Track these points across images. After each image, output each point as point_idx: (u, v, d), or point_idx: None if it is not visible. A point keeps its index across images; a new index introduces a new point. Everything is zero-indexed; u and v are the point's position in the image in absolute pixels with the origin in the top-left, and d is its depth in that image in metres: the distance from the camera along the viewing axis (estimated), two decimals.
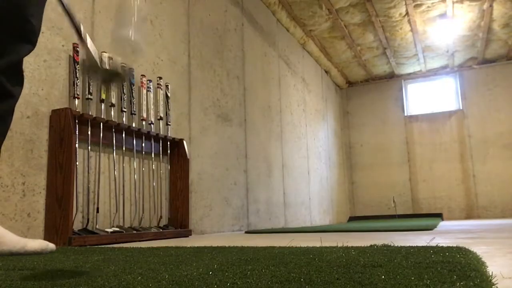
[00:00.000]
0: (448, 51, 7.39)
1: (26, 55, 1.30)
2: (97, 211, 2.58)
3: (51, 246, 1.64)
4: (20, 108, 2.25)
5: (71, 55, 2.54)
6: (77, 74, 2.51)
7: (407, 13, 6.00)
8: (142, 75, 3.08)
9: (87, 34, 1.20)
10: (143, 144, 3.01)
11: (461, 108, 8.00)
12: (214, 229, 3.80)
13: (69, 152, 2.29)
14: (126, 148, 2.87)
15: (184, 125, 3.57)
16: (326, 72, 7.85)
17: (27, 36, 1.29)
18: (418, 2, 5.74)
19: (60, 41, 2.52)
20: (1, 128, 1.30)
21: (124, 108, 2.87)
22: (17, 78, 1.31)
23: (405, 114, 8.41)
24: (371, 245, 1.52)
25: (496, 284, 0.73)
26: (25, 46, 1.29)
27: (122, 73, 1.22)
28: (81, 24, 1.21)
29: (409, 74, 8.42)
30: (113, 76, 1.28)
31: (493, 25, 6.42)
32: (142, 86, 3.06)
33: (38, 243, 1.58)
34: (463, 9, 5.94)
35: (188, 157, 3.29)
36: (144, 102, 3.06)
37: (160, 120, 3.20)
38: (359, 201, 8.52)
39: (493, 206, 7.54)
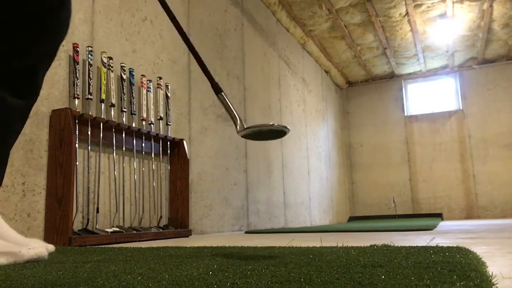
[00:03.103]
0: (448, 51, 7.39)
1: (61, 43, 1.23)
2: (97, 211, 2.58)
3: (50, 247, 1.63)
4: None
5: (71, 55, 2.54)
6: (77, 74, 2.52)
7: (407, 13, 6.00)
8: (142, 75, 3.08)
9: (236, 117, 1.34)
10: (143, 144, 3.01)
11: (461, 108, 8.00)
12: (214, 229, 3.80)
13: (69, 152, 2.29)
14: (126, 148, 2.87)
15: (184, 125, 3.57)
16: (326, 72, 7.85)
17: (65, 26, 1.21)
18: (418, 2, 5.74)
19: None
20: (21, 125, 1.23)
21: (124, 108, 2.87)
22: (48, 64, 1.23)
23: (405, 114, 8.41)
24: (371, 245, 1.52)
25: (496, 284, 0.73)
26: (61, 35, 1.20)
27: (283, 129, 1.29)
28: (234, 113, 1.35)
29: (409, 74, 8.42)
30: (275, 133, 1.33)
31: (493, 25, 6.42)
32: (142, 86, 3.07)
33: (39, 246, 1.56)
34: (463, 9, 5.95)
35: (188, 157, 3.29)
36: (144, 102, 3.06)
37: (160, 120, 3.20)
38: (359, 201, 8.52)
39: (493, 206, 7.54)
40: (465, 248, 1.28)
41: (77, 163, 2.43)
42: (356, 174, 8.62)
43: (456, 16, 6.12)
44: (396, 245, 1.51)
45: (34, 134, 2.30)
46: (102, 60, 2.72)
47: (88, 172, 2.57)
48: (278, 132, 1.30)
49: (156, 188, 3.13)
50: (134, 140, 2.92)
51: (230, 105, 1.36)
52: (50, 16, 1.04)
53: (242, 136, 1.32)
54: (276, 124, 1.26)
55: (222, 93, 1.37)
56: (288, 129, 1.26)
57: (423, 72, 8.31)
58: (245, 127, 1.29)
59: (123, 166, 2.86)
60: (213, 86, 1.39)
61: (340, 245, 1.61)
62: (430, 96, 8.42)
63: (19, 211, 2.18)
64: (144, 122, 3.06)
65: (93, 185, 2.61)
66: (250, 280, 0.80)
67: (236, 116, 1.33)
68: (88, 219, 2.51)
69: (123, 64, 2.90)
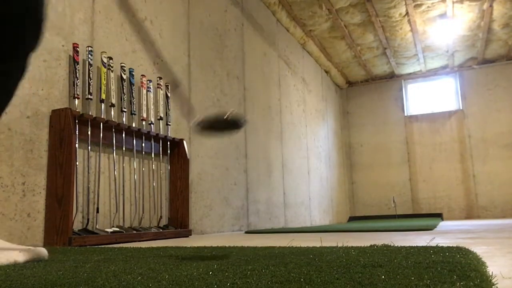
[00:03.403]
0: (448, 51, 7.39)
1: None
2: (97, 211, 2.58)
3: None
4: (20, 108, 2.26)
5: (71, 55, 2.54)
6: (77, 74, 2.52)
7: (407, 13, 6.00)
8: (142, 75, 3.08)
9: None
10: (143, 144, 3.01)
11: (461, 108, 8.00)
12: (214, 229, 3.80)
13: (69, 152, 2.29)
14: (126, 148, 2.87)
15: (184, 125, 3.57)
16: (326, 72, 7.85)
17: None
18: (418, 2, 5.74)
19: (60, 41, 2.52)
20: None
21: (124, 108, 2.87)
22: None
23: (405, 114, 8.41)
24: (371, 245, 1.52)
25: (496, 284, 0.73)
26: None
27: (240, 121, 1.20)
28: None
29: (409, 74, 8.42)
30: (230, 126, 1.22)
31: (493, 25, 6.42)
32: (142, 86, 3.06)
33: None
34: (463, 9, 5.95)
35: (188, 157, 3.29)
36: (144, 102, 3.06)
37: (160, 120, 3.20)
38: (359, 201, 8.51)
39: (493, 206, 7.54)
40: (465, 248, 1.28)
41: (77, 163, 2.42)
42: (356, 174, 8.62)
43: (456, 16, 6.12)
44: (396, 245, 1.51)
45: (34, 134, 2.30)
46: (102, 60, 2.72)
47: (88, 172, 2.57)
48: (234, 124, 1.21)
49: (156, 188, 3.13)
50: (134, 140, 2.92)
51: (186, 98, 1.35)
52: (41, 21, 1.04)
53: (197, 130, 1.23)
54: (230, 113, 1.16)
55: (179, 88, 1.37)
56: (245, 120, 1.17)
57: (423, 72, 8.31)
58: (200, 119, 1.22)
59: (123, 166, 2.86)
60: (173, 81, 1.38)
61: (340, 245, 1.61)
62: (430, 96, 8.42)
63: (19, 211, 2.18)
64: (144, 122, 3.06)
65: (93, 185, 2.61)
66: (250, 280, 0.80)
67: (193, 108, 1.32)
68: (88, 219, 2.51)
69: (123, 64, 2.90)
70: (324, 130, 7.46)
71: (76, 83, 2.50)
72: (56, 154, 2.33)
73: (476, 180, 7.69)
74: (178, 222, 3.16)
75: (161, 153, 3.17)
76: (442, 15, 6.11)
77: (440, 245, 1.47)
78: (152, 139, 3.09)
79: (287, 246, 1.68)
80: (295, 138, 6.00)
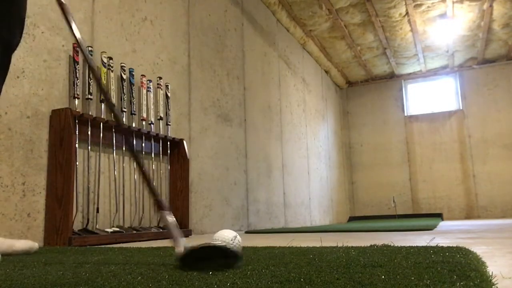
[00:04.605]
0: (448, 51, 7.39)
1: None
2: (97, 211, 2.58)
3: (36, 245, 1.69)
4: (20, 108, 2.25)
5: (71, 55, 2.54)
6: (77, 74, 2.52)
7: (407, 13, 6.00)
8: (142, 75, 3.08)
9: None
10: (143, 144, 3.01)
11: (461, 108, 8.00)
12: (214, 229, 3.80)
13: (69, 152, 2.29)
14: (126, 148, 2.87)
15: (184, 125, 3.57)
16: (326, 72, 7.85)
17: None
18: (418, 2, 5.74)
19: (60, 41, 2.52)
20: None
21: (124, 108, 2.87)
22: None
23: (405, 114, 8.41)
24: (371, 245, 1.52)
25: (496, 284, 0.73)
26: None
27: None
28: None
29: (409, 74, 8.42)
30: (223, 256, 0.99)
31: (493, 25, 6.42)
32: (142, 86, 3.06)
33: (24, 243, 1.63)
34: (463, 9, 5.94)
35: (188, 157, 3.28)
36: (144, 102, 3.06)
37: (160, 120, 3.20)
38: (359, 201, 8.51)
39: (493, 206, 7.54)
40: (465, 248, 1.28)
41: (77, 163, 2.42)
42: (356, 174, 8.61)
43: (456, 16, 6.12)
44: (396, 245, 1.51)
45: (34, 134, 2.30)
46: (102, 60, 2.72)
47: (88, 172, 2.57)
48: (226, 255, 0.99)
49: (156, 188, 3.13)
50: (134, 140, 2.91)
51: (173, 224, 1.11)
52: None
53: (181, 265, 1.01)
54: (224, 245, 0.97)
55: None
56: (239, 256, 0.98)
57: (423, 72, 8.31)
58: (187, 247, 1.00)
59: (123, 166, 2.86)
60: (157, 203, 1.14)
61: (340, 245, 1.61)
62: (430, 96, 8.42)
63: (19, 211, 2.18)
64: (144, 122, 3.06)
65: (93, 185, 2.61)
66: (250, 280, 0.80)
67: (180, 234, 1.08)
68: (88, 219, 2.51)
69: (123, 64, 2.90)
70: (324, 130, 7.46)
71: (76, 83, 2.50)
72: (56, 154, 2.33)
73: (476, 180, 7.69)
74: (178, 222, 3.16)
75: (161, 153, 3.17)
76: (442, 15, 6.11)
77: (440, 245, 1.47)
78: (152, 139, 3.09)
79: (287, 246, 1.68)
80: (295, 138, 6.00)
